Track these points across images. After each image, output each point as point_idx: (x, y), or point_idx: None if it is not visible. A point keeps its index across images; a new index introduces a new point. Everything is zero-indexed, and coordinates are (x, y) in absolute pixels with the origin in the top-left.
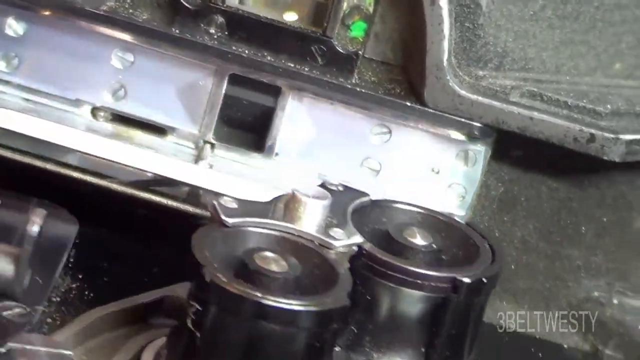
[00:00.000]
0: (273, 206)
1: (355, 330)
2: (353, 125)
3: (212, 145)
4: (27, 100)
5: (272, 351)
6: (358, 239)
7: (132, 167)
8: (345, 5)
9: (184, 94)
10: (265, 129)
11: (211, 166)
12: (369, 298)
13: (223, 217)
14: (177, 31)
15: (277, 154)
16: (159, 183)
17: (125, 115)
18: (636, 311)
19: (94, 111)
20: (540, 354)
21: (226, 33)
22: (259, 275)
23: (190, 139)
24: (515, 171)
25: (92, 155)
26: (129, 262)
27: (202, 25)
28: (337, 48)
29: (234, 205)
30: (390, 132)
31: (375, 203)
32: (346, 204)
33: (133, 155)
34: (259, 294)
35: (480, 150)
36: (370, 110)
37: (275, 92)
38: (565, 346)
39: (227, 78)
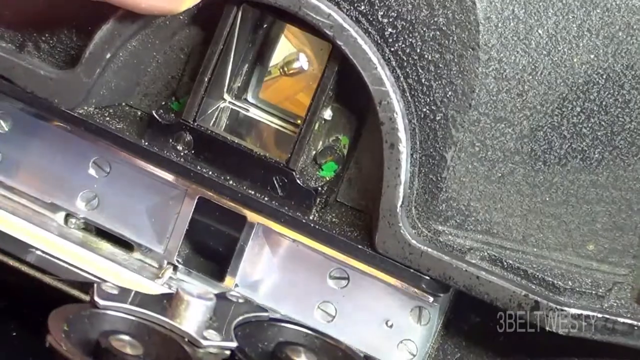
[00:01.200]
0: (158, 301)
1: None
2: (314, 266)
3: (175, 268)
4: (4, 196)
5: None
6: (232, 344)
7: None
8: (320, 144)
9: (154, 212)
10: (228, 259)
11: (169, 287)
12: None
13: (95, 298)
14: (146, 143)
15: (236, 285)
16: None
17: (96, 225)
18: None
19: (67, 217)
20: None
21: (193, 152)
22: (107, 353)
23: (155, 258)
24: (473, 339)
25: (53, 257)
26: None
27: (171, 140)
28: (298, 182)
29: (115, 291)
30: (348, 278)
31: (273, 321)
32: (237, 314)
33: (95, 264)
34: None
35: (434, 309)
36: (331, 253)
37: (241, 222)
38: None
39: (195, 201)
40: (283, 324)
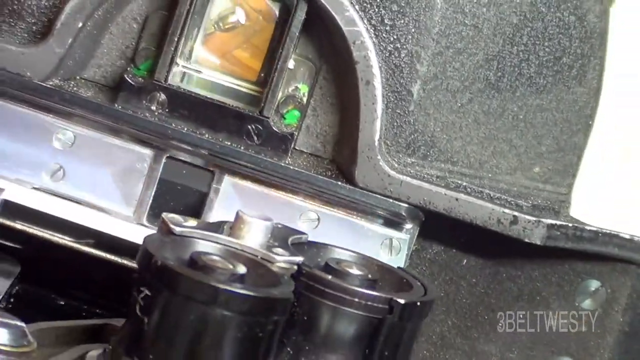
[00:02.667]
0: (218, 225)
1: (291, 352)
2: (283, 212)
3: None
4: None
5: (217, 337)
6: (299, 258)
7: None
8: (280, 94)
9: (121, 177)
10: (198, 216)
11: None
12: (306, 319)
13: (171, 226)
14: (120, 107)
15: None
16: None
17: (62, 196)
18: None
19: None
20: None
21: (167, 110)
22: (207, 268)
23: (125, 222)
24: (436, 266)
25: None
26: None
27: (145, 102)
28: (274, 128)
29: (181, 220)
30: (318, 219)
31: (312, 243)
32: (287, 235)
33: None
34: (209, 278)
35: (404, 240)
36: (301, 196)
37: (209, 176)
38: None
39: (162, 162)
40: (325, 245)
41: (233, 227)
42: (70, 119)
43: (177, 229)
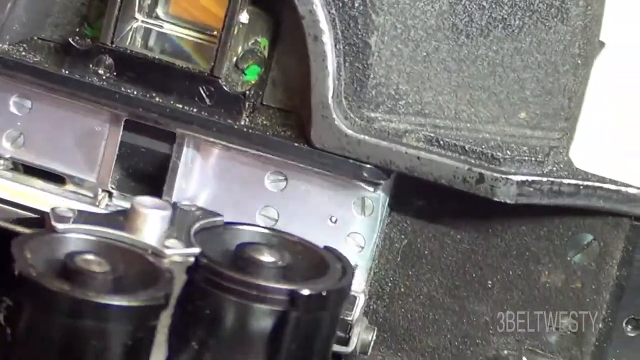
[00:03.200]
0: (113, 218)
1: (196, 347)
2: (249, 172)
3: (110, 194)
4: None
5: (83, 349)
6: (195, 250)
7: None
8: (239, 49)
9: (82, 142)
10: (162, 178)
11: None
12: (208, 312)
13: (53, 223)
14: (67, 72)
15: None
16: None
17: (24, 163)
18: None
19: None
20: None
21: (115, 73)
22: (76, 273)
23: (88, 188)
24: (418, 223)
25: None
26: None
27: (91, 66)
28: (225, 88)
29: (70, 214)
30: (286, 179)
31: (228, 225)
32: (193, 222)
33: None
34: (66, 287)
35: (377, 198)
36: (266, 156)
37: (170, 138)
38: None
39: (122, 125)
40: (239, 227)
41: (127, 219)
42: (25, 83)
43: (60, 226)
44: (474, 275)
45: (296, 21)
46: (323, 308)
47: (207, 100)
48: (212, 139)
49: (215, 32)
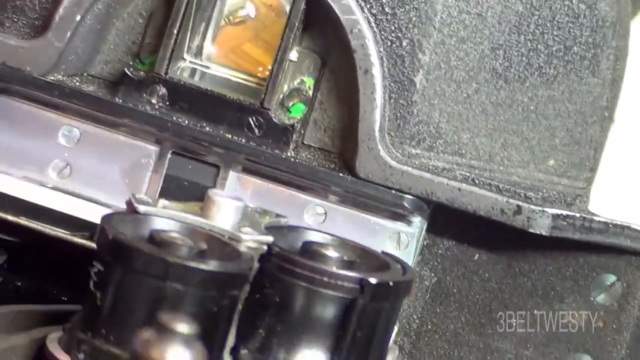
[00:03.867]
0: (190, 206)
1: (263, 334)
2: (289, 205)
3: None
4: None
5: (172, 310)
6: (268, 238)
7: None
8: (285, 87)
9: (127, 173)
10: None
11: None
12: (277, 300)
13: (136, 205)
14: (121, 100)
15: None
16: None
17: (69, 194)
18: None
19: None
20: None
21: (167, 103)
22: (163, 244)
23: None
24: (448, 261)
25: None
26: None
27: (145, 95)
28: (274, 120)
29: (149, 199)
30: (325, 213)
31: (292, 227)
32: (262, 218)
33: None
34: (160, 252)
35: (412, 233)
36: (307, 190)
37: (214, 171)
38: None
39: (168, 157)
40: (304, 229)
41: (203, 207)
42: (75, 114)
43: (142, 208)
44: (500, 313)
45: (344, 59)
46: (388, 298)
47: (256, 131)
48: (254, 172)
49: (260, 74)
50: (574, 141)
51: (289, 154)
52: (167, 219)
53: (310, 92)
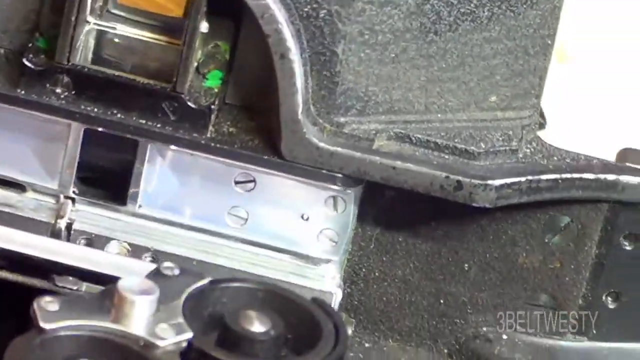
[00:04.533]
0: (99, 303)
1: None
2: (216, 175)
3: (73, 200)
4: None
5: None
6: (187, 335)
7: None
8: (199, 53)
9: (42, 150)
10: (126, 182)
11: (72, 221)
12: None
13: (40, 323)
14: (23, 92)
15: (140, 206)
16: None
17: None
18: (526, 349)
19: None
20: None
21: (73, 92)
22: None
23: (50, 194)
24: (391, 211)
25: None
26: None
27: (48, 85)
28: (189, 103)
29: (56, 307)
30: (254, 181)
31: (213, 285)
32: (180, 291)
33: None
34: None
35: (349, 194)
36: (232, 159)
37: (133, 145)
38: None
39: (82, 133)
40: (225, 285)
41: (114, 305)
42: None
43: (47, 327)
44: (449, 259)
45: (257, 23)
46: None
47: (171, 116)
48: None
49: (172, 13)
50: (516, 74)
51: (208, 135)
52: (75, 333)
53: (227, 55)
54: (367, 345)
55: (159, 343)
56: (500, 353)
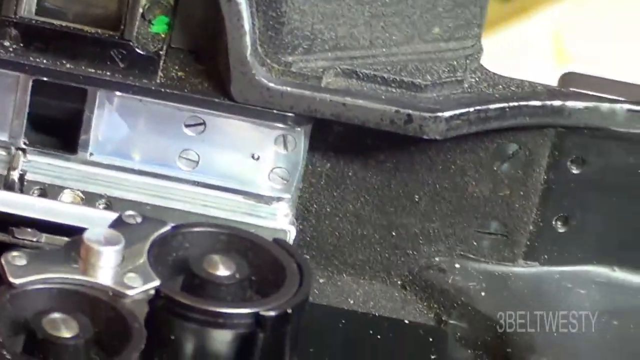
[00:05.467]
0: (66, 255)
1: None
2: (166, 119)
3: (24, 151)
4: None
5: None
6: (154, 283)
7: None
8: (144, 0)
9: None
10: (77, 131)
11: (24, 172)
12: (173, 338)
13: (9, 278)
14: None
15: (91, 154)
16: None
17: None
18: (479, 276)
19: None
20: (379, 335)
21: (21, 45)
22: (48, 344)
23: (0, 147)
24: (339, 146)
25: None
26: None
27: None
28: (138, 50)
29: (24, 261)
30: (204, 123)
31: (175, 230)
32: (144, 238)
33: None
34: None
35: (299, 132)
36: (182, 103)
37: (82, 93)
38: (407, 322)
39: (31, 84)
40: (186, 230)
41: (81, 257)
42: None
43: (17, 282)
44: (400, 191)
45: None
46: (289, 322)
47: (120, 63)
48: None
49: None
50: (457, 5)
51: (157, 81)
52: (44, 286)
53: (172, 1)
54: (321, 280)
55: (128, 292)
56: (453, 282)
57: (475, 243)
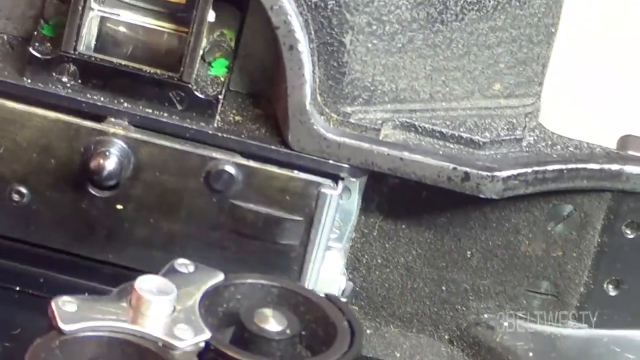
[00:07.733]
0: (117, 302)
1: None
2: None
3: None
4: None
5: None
6: (205, 336)
7: None
8: (204, 42)
9: None
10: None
11: None
12: None
13: (59, 324)
14: (29, 81)
15: None
16: None
17: None
18: (527, 336)
19: None
20: None
21: (79, 81)
22: None
23: None
24: (393, 198)
25: None
26: None
27: (54, 74)
28: (196, 93)
29: (74, 307)
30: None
31: (227, 281)
32: (196, 288)
33: None
34: None
35: (354, 183)
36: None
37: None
38: None
39: None
40: (238, 281)
41: (131, 305)
42: None
43: (66, 328)
44: (452, 246)
45: (261, 9)
46: None
47: (178, 106)
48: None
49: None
50: (519, 62)
51: (215, 125)
52: (93, 333)
53: (232, 43)
54: (368, 331)
55: (178, 344)
56: (501, 340)
57: (525, 302)
